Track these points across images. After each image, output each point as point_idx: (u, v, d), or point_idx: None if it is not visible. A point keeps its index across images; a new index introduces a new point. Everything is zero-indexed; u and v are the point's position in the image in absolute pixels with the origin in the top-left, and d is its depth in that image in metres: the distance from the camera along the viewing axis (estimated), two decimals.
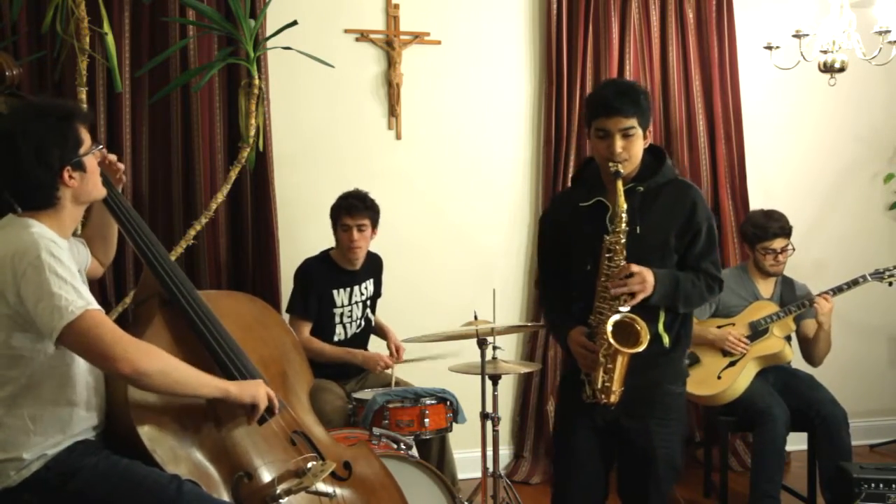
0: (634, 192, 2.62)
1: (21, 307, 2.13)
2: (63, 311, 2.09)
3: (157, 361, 2.19)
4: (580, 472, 2.75)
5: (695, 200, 2.67)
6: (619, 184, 2.55)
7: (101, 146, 2.36)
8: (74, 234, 2.45)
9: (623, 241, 2.55)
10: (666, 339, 2.65)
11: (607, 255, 2.57)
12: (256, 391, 2.37)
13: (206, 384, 2.29)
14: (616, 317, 2.52)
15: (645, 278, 2.53)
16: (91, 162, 2.29)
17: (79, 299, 2.11)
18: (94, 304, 2.16)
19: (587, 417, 2.70)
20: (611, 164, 2.56)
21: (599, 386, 2.57)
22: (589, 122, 2.65)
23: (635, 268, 2.53)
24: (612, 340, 2.50)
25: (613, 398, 2.58)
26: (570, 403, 2.76)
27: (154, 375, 2.17)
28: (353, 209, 3.83)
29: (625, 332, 2.52)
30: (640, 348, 2.51)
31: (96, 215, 2.54)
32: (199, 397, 2.31)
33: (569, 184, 4.45)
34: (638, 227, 2.59)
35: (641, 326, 2.52)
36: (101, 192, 2.36)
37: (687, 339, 2.76)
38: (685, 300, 2.63)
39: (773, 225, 4.05)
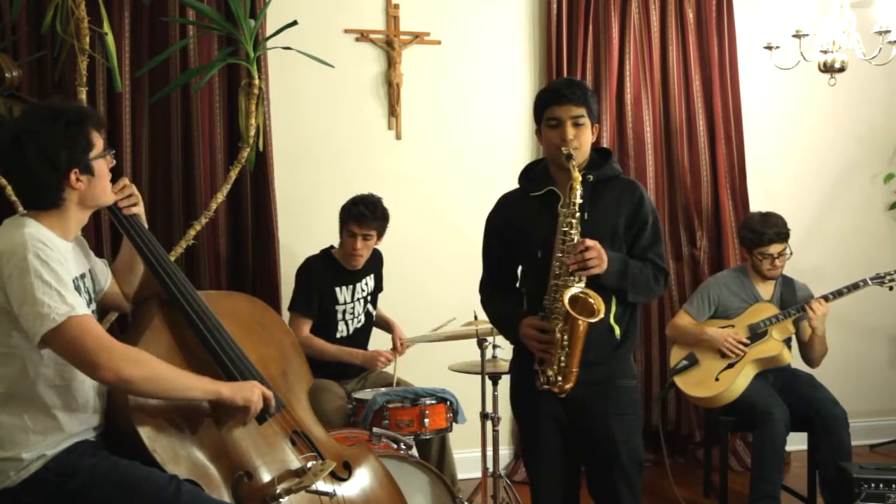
0: (585, 181, 2.66)
1: (9, 306, 2.13)
2: (45, 318, 2.08)
3: (142, 368, 2.17)
4: (549, 472, 2.78)
5: (642, 194, 2.75)
6: (572, 163, 2.59)
7: (112, 151, 2.36)
8: (100, 255, 2.45)
9: (578, 215, 2.59)
10: (617, 331, 2.69)
11: (562, 231, 2.59)
12: (250, 394, 2.35)
13: (197, 387, 2.28)
14: (573, 290, 2.53)
15: (601, 252, 2.56)
16: (101, 166, 2.29)
17: (62, 305, 2.10)
18: (79, 311, 2.13)
19: (548, 417, 2.72)
20: (563, 147, 2.62)
21: (556, 368, 2.58)
22: (541, 113, 2.72)
23: (590, 242, 2.55)
24: (569, 309, 2.50)
25: (570, 383, 2.59)
26: (529, 405, 2.78)
27: (138, 382, 2.16)
28: (362, 218, 3.79)
29: (580, 308, 2.53)
30: (598, 318, 2.52)
31: (126, 249, 2.55)
32: (191, 401, 2.31)
33: None
34: (586, 214, 2.63)
35: (595, 299, 2.53)
36: (109, 197, 2.36)
37: (635, 336, 2.78)
38: (633, 284, 2.66)
39: (769, 231, 4.03)
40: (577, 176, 2.58)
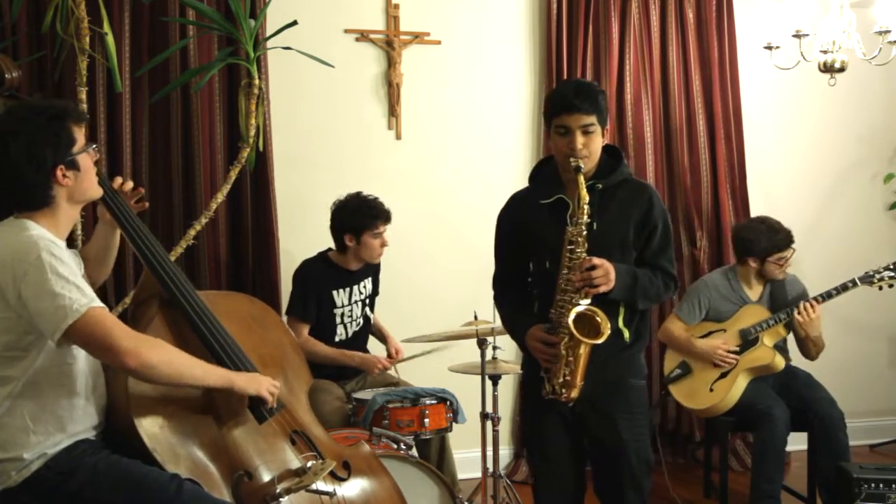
0: (594, 190, 2.64)
1: (23, 309, 2.13)
2: (67, 310, 2.10)
3: (162, 352, 2.22)
4: (555, 472, 2.78)
5: (651, 198, 2.71)
6: (581, 177, 2.57)
7: (94, 145, 2.37)
8: (71, 246, 2.45)
9: (585, 233, 2.57)
10: (626, 334, 2.69)
11: (569, 248, 2.58)
12: (260, 386, 2.39)
13: (211, 373, 2.32)
14: (578, 308, 2.53)
15: (608, 270, 2.54)
16: (85, 161, 2.29)
17: (82, 297, 2.13)
18: (97, 301, 2.17)
19: (556, 416, 2.72)
20: (572, 159, 2.59)
21: (560, 380, 2.58)
22: (549, 119, 2.69)
23: (597, 260, 2.54)
24: (574, 331, 2.50)
25: (574, 393, 2.59)
26: (536, 404, 2.77)
27: (159, 366, 2.19)
28: (387, 216, 3.81)
29: (586, 325, 2.53)
30: (602, 339, 2.52)
31: (100, 236, 2.56)
32: (205, 387, 2.33)
33: None
34: (595, 224, 2.61)
35: (602, 318, 2.53)
36: (96, 191, 2.37)
37: (646, 335, 2.78)
38: (643, 295, 2.65)
39: (782, 237, 3.99)
40: (585, 195, 2.55)
